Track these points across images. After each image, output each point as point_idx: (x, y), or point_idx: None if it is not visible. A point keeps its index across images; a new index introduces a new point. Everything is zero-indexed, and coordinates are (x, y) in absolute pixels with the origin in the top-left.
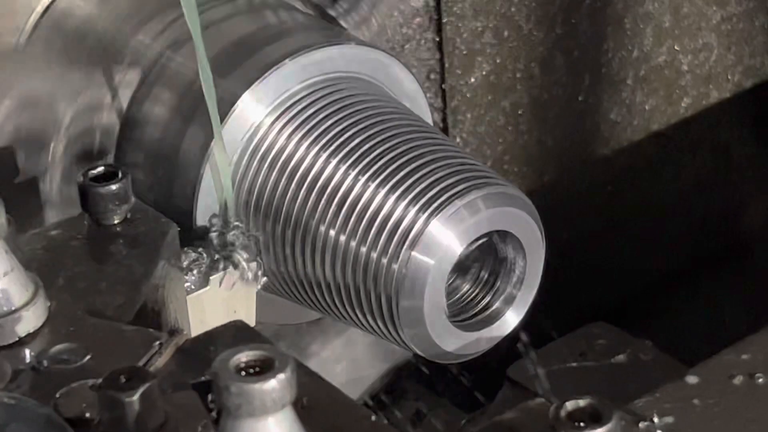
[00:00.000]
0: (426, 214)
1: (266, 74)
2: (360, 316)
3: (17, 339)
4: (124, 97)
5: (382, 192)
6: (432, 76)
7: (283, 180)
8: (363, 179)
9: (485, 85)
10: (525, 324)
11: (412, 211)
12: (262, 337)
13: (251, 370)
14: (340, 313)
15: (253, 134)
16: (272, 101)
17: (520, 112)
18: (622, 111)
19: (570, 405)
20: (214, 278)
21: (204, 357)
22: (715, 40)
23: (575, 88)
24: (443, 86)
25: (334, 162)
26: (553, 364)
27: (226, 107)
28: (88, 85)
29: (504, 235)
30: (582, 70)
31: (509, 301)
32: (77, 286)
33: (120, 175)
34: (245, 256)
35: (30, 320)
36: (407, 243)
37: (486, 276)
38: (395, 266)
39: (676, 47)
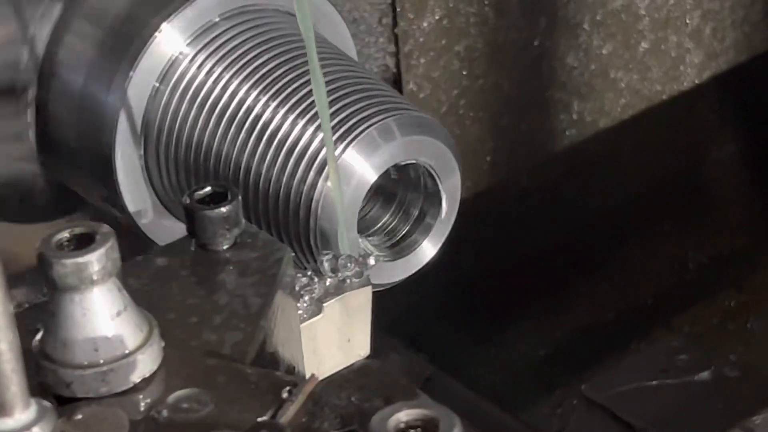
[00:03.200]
0: (343, 143)
1: (184, 5)
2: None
3: (132, 385)
4: (45, 31)
5: (301, 123)
6: (384, 21)
7: (201, 112)
8: (282, 111)
9: (438, 29)
10: None
11: None
12: (402, 381)
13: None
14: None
15: (171, 66)
16: (191, 33)
17: (474, 56)
18: (579, 55)
19: None
20: (328, 305)
21: (336, 404)
22: None
23: (531, 32)
24: (395, 31)
25: (253, 94)
26: (631, 383)
27: (144, 39)
28: (7, 17)
29: (421, 165)
30: (537, 14)
31: (426, 231)
32: (190, 321)
33: (230, 196)
34: (356, 281)
35: (145, 364)
36: (323, 173)
37: (404, 206)
38: (311, 195)
39: None
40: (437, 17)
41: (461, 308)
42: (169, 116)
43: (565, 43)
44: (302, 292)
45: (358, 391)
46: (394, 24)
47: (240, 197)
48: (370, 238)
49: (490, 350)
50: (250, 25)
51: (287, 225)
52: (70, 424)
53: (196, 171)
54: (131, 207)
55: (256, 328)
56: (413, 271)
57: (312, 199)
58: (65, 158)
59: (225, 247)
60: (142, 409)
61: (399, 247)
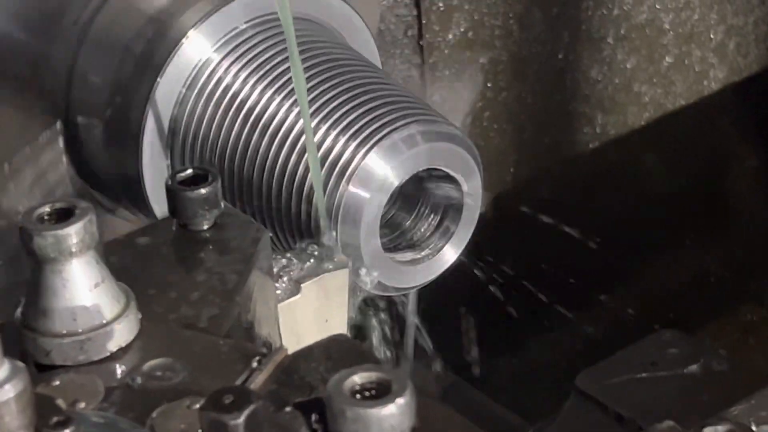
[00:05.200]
0: (364, 148)
1: (211, 12)
2: None
3: (108, 354)
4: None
5: (323, 127)
6: (409, 33)
7: (226, 117)
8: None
9: (463, 41)
10: None
11: (352, 145)
12: (368, 353)
13: (367, 393)
14: (284, 247)
15: (198, 72)
16: (217, 39)
17: (498, 69)
18: (602, 69)
19: (708, 431)
20: (306, 285)
21: (305, 374)
22: None
23: (555, 46)
24: (421, 42)
25: (278, 99)
26: (622, 374)
27: (171, 45)
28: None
29: (443, 171)
30: (561, 28)
31: (447, 237)
32: (168, 297)
33: (210, 178)
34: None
35: (122, 334)
36: (345, 177)
37: (426, 211)
38: (333, 199)
39: (657, 6)
40: (462, 30)
41: (480, 318)
42: (194, 121)
43: (588, 56)
44: (281, 273)
45: (326, 361)
46: (420, 36)
47: (220, 179)
48: (391, 243)
49: (509, 360)
50: (276, 32)
51: (309, 228)
52: (48, 390)
53: (221, 174)
54: (160, 216)
55: (232, 304)
56: (434, 276)
57: (333, 204)
58: (93, 171)
59: (205, 227)
60: (118, 376)
61: (420, 252)
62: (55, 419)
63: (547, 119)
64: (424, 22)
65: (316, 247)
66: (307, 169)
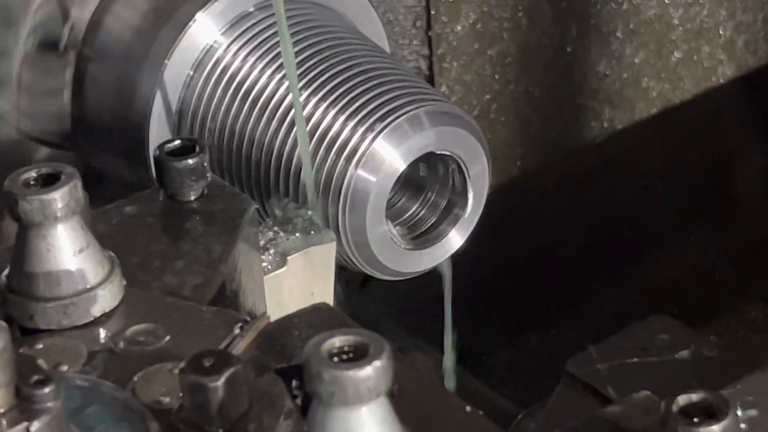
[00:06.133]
0: (372, 132)
1: None
2: None
3: (92, 319)
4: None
5: (332, 112)
6: (418, 24)
7: (234, 100)
8: (314, 100)
9: (472, 33)
10: None
11: (360, 130)
12: (349, 321)
13: (344, 356)
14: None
15: (206, 54)
16: (226, 22)
17: (506, 62)
18: (611, 63)
19: (682, 399)
20: (292, 258)
21: (287, 341)
22: None
23: (563, 39)
24: (429, 33)
25: (286, 83)
26: (613, 359)
27: (179, 27)
28: None
29: (450, 157)
30: (570, 21)
31: (453, 222)
32: (153, 265)
33: (197, 149)
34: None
35: (106, 299)
36: (353, 161)
37: (432, 197)
38: (341, 182)
39: (666, 1)
40: (471, 21)
41: (486, 310)
42: (203, 104)
43: (597, 50)
44: (268, 246)
45: (308, 329)
46: (428, 27)
47: (208, 150)
48: (398, 228)
49: (514, 352)
50: (286, 15)
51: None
52: (31, 352)
53: (228, 158)
54: None
55: (216, 273)
56: (439, 261)
57: (341, 187)
58: (97, 141)
59: (192, 198)
60: (101, 341)
61: (426, 237)
62: (35, 378)
63: (554, 113)
64: (432, 13)
65: (301, 219)
66: (313, 154)
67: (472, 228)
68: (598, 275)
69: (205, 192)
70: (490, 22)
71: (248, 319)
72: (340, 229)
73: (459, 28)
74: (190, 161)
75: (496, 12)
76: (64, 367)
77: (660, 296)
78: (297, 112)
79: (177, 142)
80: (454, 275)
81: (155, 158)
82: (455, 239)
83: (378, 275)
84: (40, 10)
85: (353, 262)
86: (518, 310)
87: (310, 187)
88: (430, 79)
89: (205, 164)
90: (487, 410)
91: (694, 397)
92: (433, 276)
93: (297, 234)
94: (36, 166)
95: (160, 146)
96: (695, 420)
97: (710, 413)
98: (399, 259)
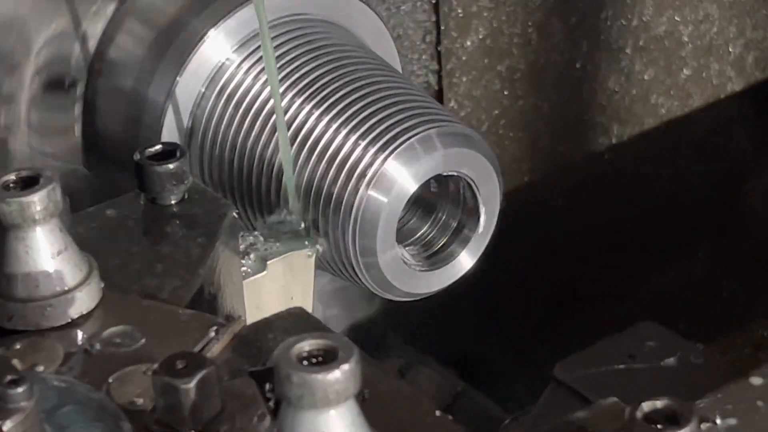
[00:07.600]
0: (384, 153)
1: (232, 12)
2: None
3: (69, 320)
4: (98, 28)
5: (344, 131)
6: (428, 39)
7: (246, 117)
8: (325, 119)
9: (481, 48)
10: None
11: (371, 150)
12: (323, 326)
13: (314, 360)
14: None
15: (218, 72)
16: (238, 40)
17: (516, 77)
18: (620, 80)
19: (646, 406)
20: (272, 263)
21: (262, 344)
22: (717, 11)
23: (573, 55)
24: (439, 48)
25: (297, 101)
26: (600, 365)
27: (191, 44)
28: (62, 12)
29: (461, 177)
30: (580, 37)
31: (464, 243)
32: (132, 268)
33: (178, 153)
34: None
35: (83, 301)
36: (364, 181)
37: (443, 218)
38: (352, 201)
39: (676, 18)
40: (480, 36)
41: (494, 325)
42: (214, 121)
43: (606, 67)
44: (248, 250)
45: (283, 333)
46: (438, 42)
47: (188, 155)
48: (408, 248)
49: (522, 367)
50: (297, 34)
51: (326, 229)
52: (8, 354)
53: (239, 175)
54: None
55: (195, 276)
56: (449, 282)
57: (353, 206)
58: (110, 157)
59: (173, 202)
60: (78, 342)
61: (436, 258)
62: (9, 378)
63: (563, 128)
64: (442, 28)
65: (283, 225)
66: (324, 174)
67: (483, 248)
68: (604, 289)
69: (186, 196)
70: (500, 37)
71: (224, 322)
72: (350, 249)
73: (469, 43)
74: (171, 165)
75: (506, 27)
76: (41, 368)
77: (666, 311)
78: (278, 118)
79: (158, 146)
80: (456, 289)
81: (136, 162)
82: (466, 260)
83: (388, 296)
84: (41, 52)
85: (363, 283)
86: (525, 324)
87: (291, 191)
88: (439, 94)
89: (186, 168)
90: (493, 425)
91: (659, 403)
92: (440, 293)
93: (277, 239)
94: (16, 169)
95: (141, 150)
96: (658, 426)
97: (674, 420)
98: (409, 280)
